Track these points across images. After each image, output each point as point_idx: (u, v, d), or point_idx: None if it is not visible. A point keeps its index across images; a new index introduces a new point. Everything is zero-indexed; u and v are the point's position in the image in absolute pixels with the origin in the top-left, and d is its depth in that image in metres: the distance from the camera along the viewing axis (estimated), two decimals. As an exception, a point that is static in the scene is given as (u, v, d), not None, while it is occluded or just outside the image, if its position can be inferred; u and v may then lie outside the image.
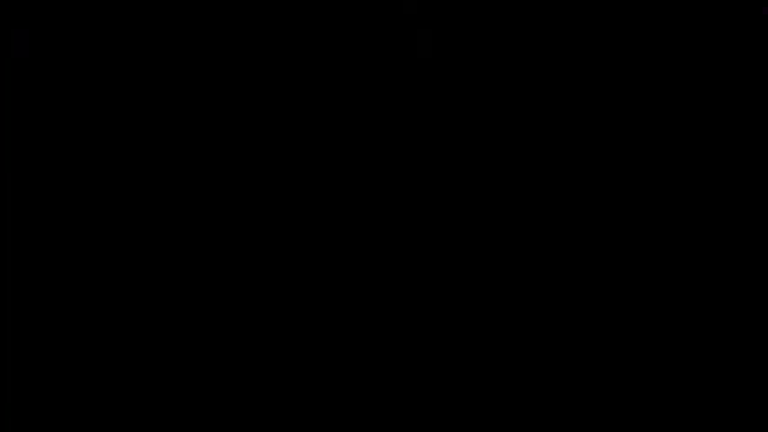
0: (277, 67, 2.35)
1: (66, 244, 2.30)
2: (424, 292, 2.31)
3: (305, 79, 2.35)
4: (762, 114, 2.34)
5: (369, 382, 2.29)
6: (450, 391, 2.29)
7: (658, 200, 2.33)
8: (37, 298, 2.28)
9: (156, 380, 2.27)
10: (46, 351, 2.27)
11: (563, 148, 2.34)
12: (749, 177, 2.33)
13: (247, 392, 2.28)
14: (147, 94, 2.34)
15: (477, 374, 2.29)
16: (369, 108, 2.35)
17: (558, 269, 2.32)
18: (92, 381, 2.27)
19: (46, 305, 2.28)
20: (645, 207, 2.33)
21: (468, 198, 2.34)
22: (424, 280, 2.32)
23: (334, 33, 2.35)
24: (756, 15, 2.34)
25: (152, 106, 2.34)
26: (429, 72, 2.35)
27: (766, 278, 2.30)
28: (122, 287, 2.30)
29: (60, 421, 2.26)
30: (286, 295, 2.31)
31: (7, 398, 2.25)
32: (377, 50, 2.35)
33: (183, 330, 2.29)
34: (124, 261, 2.30)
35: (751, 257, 2.31)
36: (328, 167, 2.34)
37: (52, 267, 2.29)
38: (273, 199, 2.33)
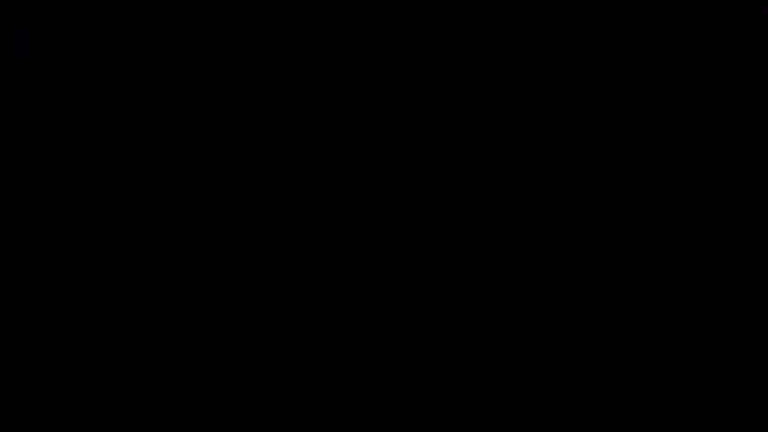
0: (277, 67, 2.35)
1: (66, 244, 2.30)
2: (424, 291, 2.31)
3: (305, 79, 2.35)
4: (762, 114, 2.34)
5: (369, 381, 2.29)
6: (450, 391, 2.29)
7: (658, 200, 2.33)
8: (37, 298, 2.28)
9: (156, 379, 2.27)
10: (46, 351, 2.27)
11: (563, 148, 2.34)
12: (749, 177, 2.33)
13: (247, 392, 2.28)
14: (147, 94, 2.34)
15: (478, 374, 2.29)
16: (369, 108, 2.35)
17: (559, 269, 2.32)
18: (92, 381, 2.27)
19: (46, 305, 2.28)
20: (645, 207, 2.33)
21: (468, 197, 2.34)
22: (424, 279, 2.32)
23: (335, 33, 2.35)
24: (756, 15, 2.34)
25: (152, 106, 2.34)
26: (429, 72, 2.35)
27: (766, 278, 2.30)
28: (122, 287, 2.30)
29: (60, 421, 2.26)
30: (286, 295, 2.31)
31: (7, 398, 2.25)
32: (377, 50, 2.35)
33: (184, 330, 2.29)
34: (124, 261, 2.30)
35: (751, 257, 2.31)
36: (328, 167, 2.34)
37: (52, 267, 2.29)
38: (274, 199, 2.33)
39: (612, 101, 2.35)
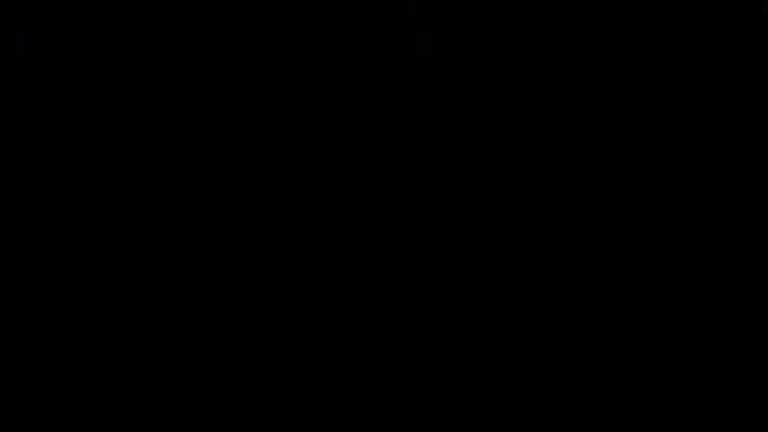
0: (277, 67, 2.35)
1: (66, 244, 2.30)
2: (424, 291, 2.31)
3: (305, 79, 2.35)
4: (762, 114, 2.34)
5: (369, 382, 2.29)
6: (450, 391, 2.29)
7: (658, 200, 2.33)
8: (37, 298, 2.28)
9: (156, 380, 2.27)
10: (46, 351, 2.27)
11: (563, 148, 2.34)
12: (749, 177, 2.33)
13: (247, 392, 2.28)
14: (147, 94, 2.34)
15: (477, 375, 2.30)
16: (369, 108, 2.35)
17: (558, 269, 2.32)
18: (92, 381, 2.27)
19: (46, 305, 2.28)
20: (645, 207, 2.33)
21: (468, 197, 2.34)
22: (423, 280, 2.32)
23: (335, 33, 2.36)
24: (756, 15, 2.34)
25: (152, 106, 2.34)
26: (429, 72, 2.35)
27: (766, 278, 2.30)
28: (122, 287, 2.30)
29: (60, 421, 2.26)
30: (286, 295, 2.31)
31: (7, 398, 2.25)
32: (377, 50, 2.35)
33: (184, 330, 2.29)
34: (124, 261, 2.30)
35: (751, 257, 2.31)
36: (328, 167, 2.34)
37: (52, 267, 2.29)
38: (273, 199, 2.33)
39: (612, 101, 2.35)
